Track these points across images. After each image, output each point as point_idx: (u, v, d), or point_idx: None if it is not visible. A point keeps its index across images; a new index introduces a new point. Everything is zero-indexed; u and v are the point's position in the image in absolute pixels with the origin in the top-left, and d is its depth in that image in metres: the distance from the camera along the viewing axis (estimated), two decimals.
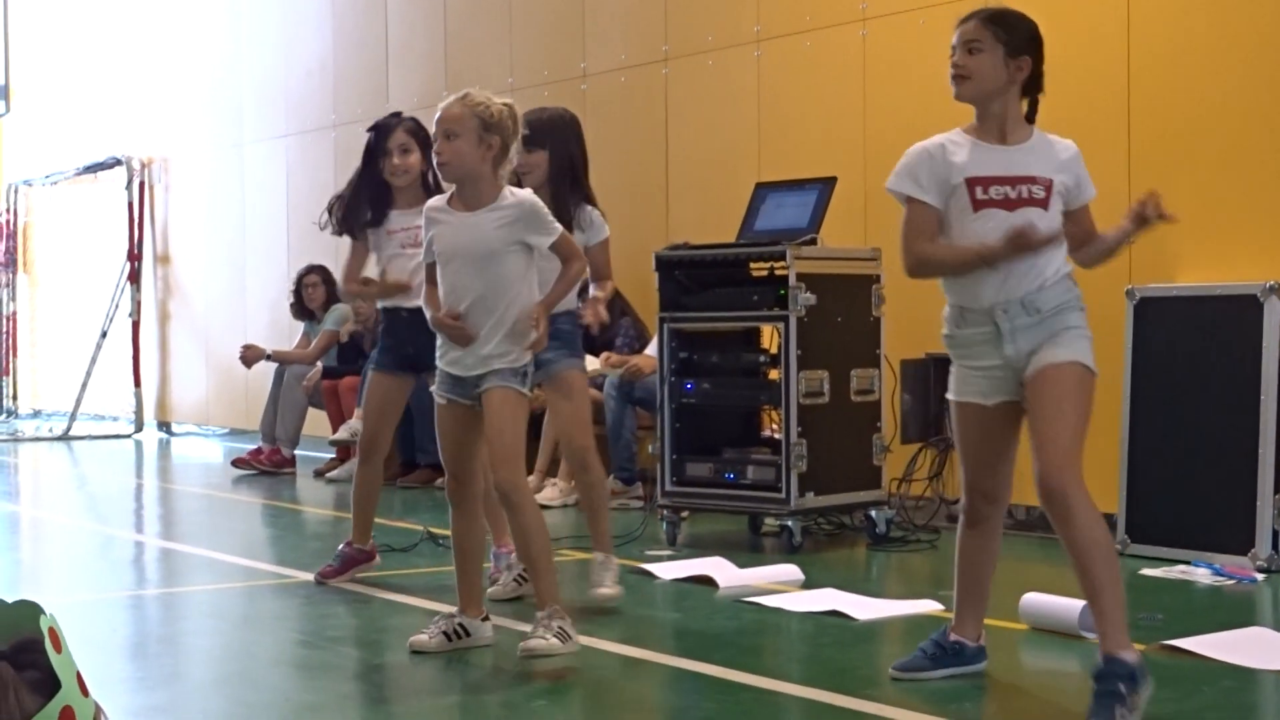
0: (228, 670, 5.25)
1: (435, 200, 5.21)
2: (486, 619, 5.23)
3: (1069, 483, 4.20)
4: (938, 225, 4.45)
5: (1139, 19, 7.35)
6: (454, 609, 5.21)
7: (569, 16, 10.58)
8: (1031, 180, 4.37)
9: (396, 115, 6.60)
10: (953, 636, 4.68)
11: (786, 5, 9.04)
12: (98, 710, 1.77)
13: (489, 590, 5.92)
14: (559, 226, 5.14)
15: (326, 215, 6.58)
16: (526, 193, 5.14)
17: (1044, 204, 4.36)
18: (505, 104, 5.08)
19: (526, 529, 5.06)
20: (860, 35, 8.62)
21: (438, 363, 5.13)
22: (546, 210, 5.12)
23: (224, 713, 4.59)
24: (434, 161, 5.14)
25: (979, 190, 4.38)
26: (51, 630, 1.74)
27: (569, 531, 7.65)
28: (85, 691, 1.75)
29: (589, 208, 6.09)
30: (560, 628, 4.95)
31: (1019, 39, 4.43)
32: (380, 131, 6.48)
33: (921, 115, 8.36)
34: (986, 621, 4.79)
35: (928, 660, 4.65)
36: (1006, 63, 4.41)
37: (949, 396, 4.53)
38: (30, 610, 1.72)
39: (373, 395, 6.47)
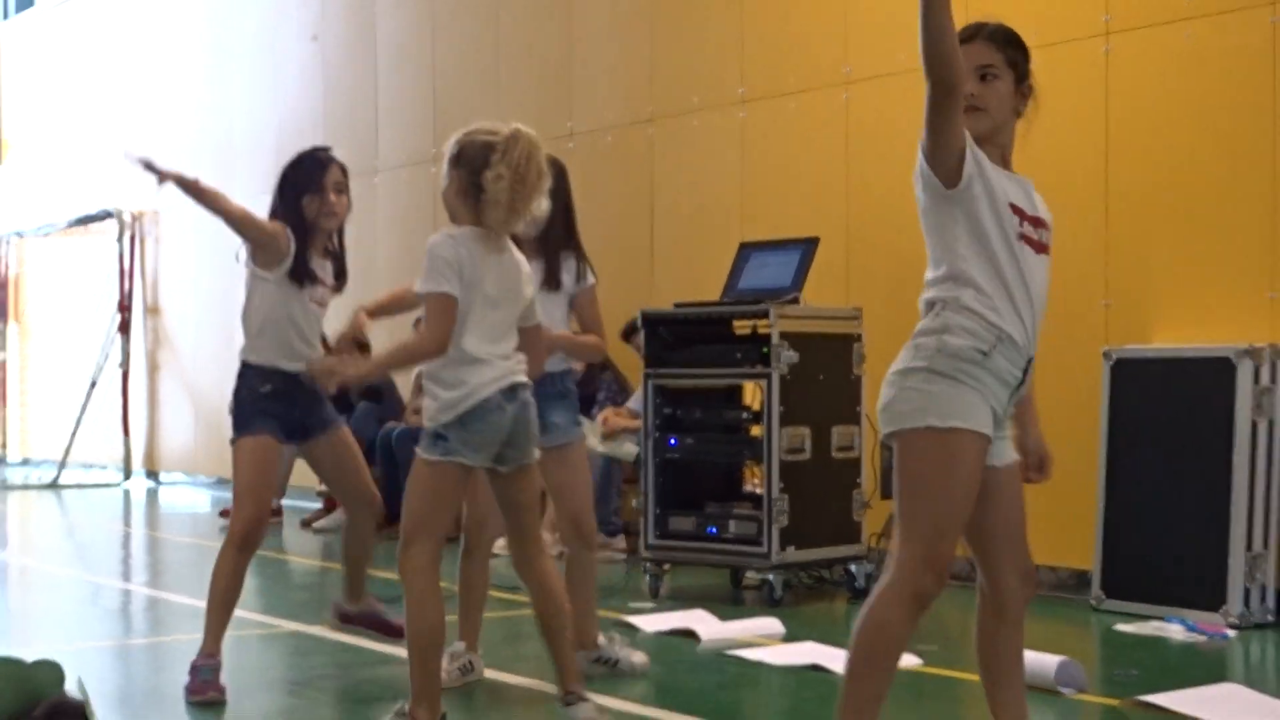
0: None
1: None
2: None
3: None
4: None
5: (1117, 89, 7.41)
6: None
7: (556, 77, 10.63)
8: (1038, 223, 3.80)
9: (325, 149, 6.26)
10: None
11: (770, 68, 9.09)
12: None
13: None
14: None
15: None
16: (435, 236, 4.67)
17: (1047, 249, 3.81)
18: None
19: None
20: (843, 98, 8.68)
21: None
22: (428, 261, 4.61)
23: None
24: None
25: (1017, 220, 3.76)
26: (85, 694, 1.77)
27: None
28: None
29: (573, 258, 5.71)
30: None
31: (1026, 61, 3.83)
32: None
33: (903, 178, 8.41)
34: (959, 675, 4.75)
35: None
36: (1016, 90, 3.82)
37: (943, 423, 3.62)
38: (54, 672, 1.74)
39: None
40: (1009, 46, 3.80)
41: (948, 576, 3.72)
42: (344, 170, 6.03)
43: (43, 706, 1.71)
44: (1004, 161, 3.82)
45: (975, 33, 3.80)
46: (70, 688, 1.80)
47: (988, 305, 3.65)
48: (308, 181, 5.99)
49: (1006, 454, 3.77)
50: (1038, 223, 3.78)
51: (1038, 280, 3.74)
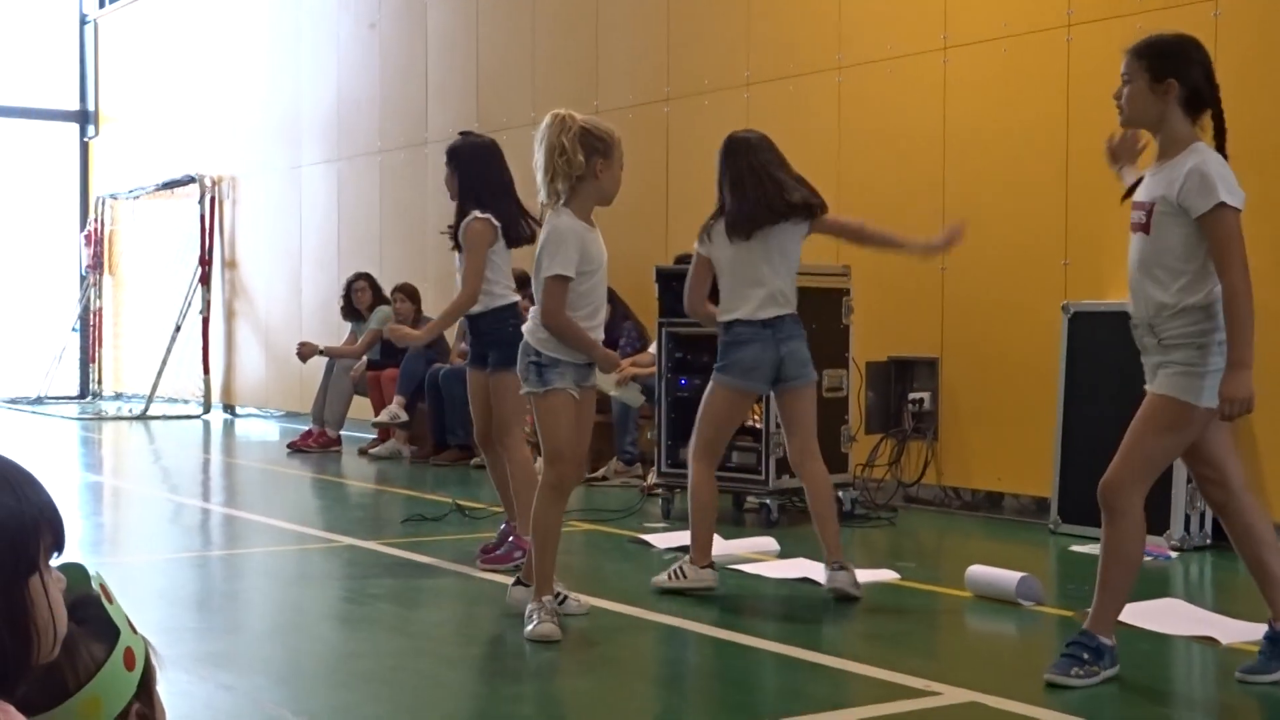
0: (281, 622, 5.26)
1: (570, 219, 4.72)
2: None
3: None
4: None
5: (1077, 73, 7.34)
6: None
7: (585, 61, 10.59)
8: (1140, 206, 4.04)
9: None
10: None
11: (773, 55, 9.05)
12: (148, 645, 1.79)
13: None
14: None
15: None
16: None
17: (1145, 228, 4.01)
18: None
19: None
20: (836, 82, 8.62)
21: (568, 359, 4.71)
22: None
23: (277, 659, 4.60)
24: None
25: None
26: (102, 586, 1.76)
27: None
28: (135, 630, 1.77)
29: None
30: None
31: (1162, 63, 4.02)
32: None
33: (888, 154, 8.39)
34: (945, 591, 4.76)
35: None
36: (1153, 88, 4.01)
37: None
38: (79, 571, 1.73)
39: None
40: (1138, 56, 4.05)
41: None
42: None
43: (69, 601, 1.71)
44: (1159, 154, 4.04)
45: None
46: (94, 585, 1.79)
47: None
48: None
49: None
50: (1136, 207, 4.07)
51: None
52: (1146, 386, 4.12)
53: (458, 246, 5.81)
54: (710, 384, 5.47)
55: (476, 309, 5.79)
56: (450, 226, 5.88)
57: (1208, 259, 3.92)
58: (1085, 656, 4.03)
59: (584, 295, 4.74)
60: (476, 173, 5.88)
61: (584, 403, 4.82)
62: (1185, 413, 3.98)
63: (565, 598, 4.92)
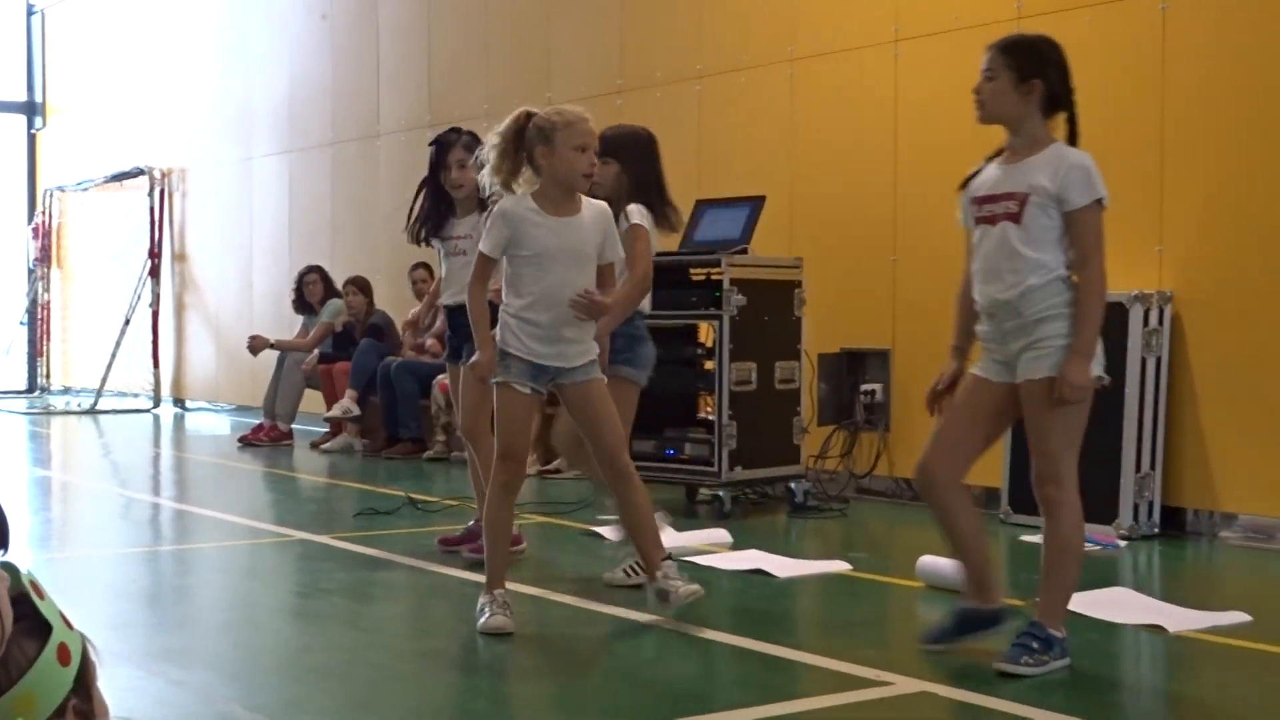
0: (233, 617, 5.23)
1: (515, 202, 4.66)
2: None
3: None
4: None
5: None
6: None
7: (536, 54, 10.57)
8: (1008, 197, 4.12)
9: (456, 131, 6.09)
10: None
11: (724, 47, 9.06)
12: (85, 640, 1.77)
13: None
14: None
15: (413, 229, 6.08)
16: (599, 203, 4.82)
17: (1017, 218, 4.09)
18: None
19: (638, 503, 4.87)
20: (788, 74, 8.64)
21: (516, 353, 4.66)
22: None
23: (230, 654, 4.57)
24: (590, 175, 4.71)
25: (975, 209, 4.21)
26: (33, 583, 1.74)
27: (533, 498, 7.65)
28: (70, 626, 1.75)
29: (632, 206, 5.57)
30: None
31: (1028, 63, 4.13)
32: (440, 146, 6.01)
33: (839, 146, 8.41)
34: (897, 582, 4.78)
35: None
36: (1018, 87, 4.12)
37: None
38: (10, 569, 1.72)
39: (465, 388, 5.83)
40: (1006, 53, 4.13)
41: None
42: (469, 146, 5.83)
43: None
44: (1013, 151, 4.16)
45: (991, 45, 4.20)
46: (25, 582, 1.78)
47: None
48: (438, 161, 6.00)
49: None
50: (997, 199, 4.12)
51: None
52: (1019, 378, 4.13)
53: None
54: (617, 379, 5.44)
55: (453, 302, 5.76)
56: None
57: (1062, 248, 4.07)
58: (1035, 646, 4.06)
59: (524, 280, 4.67)
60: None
61: (530, 402, 4.73)
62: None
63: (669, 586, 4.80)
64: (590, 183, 4.77)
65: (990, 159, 4.25)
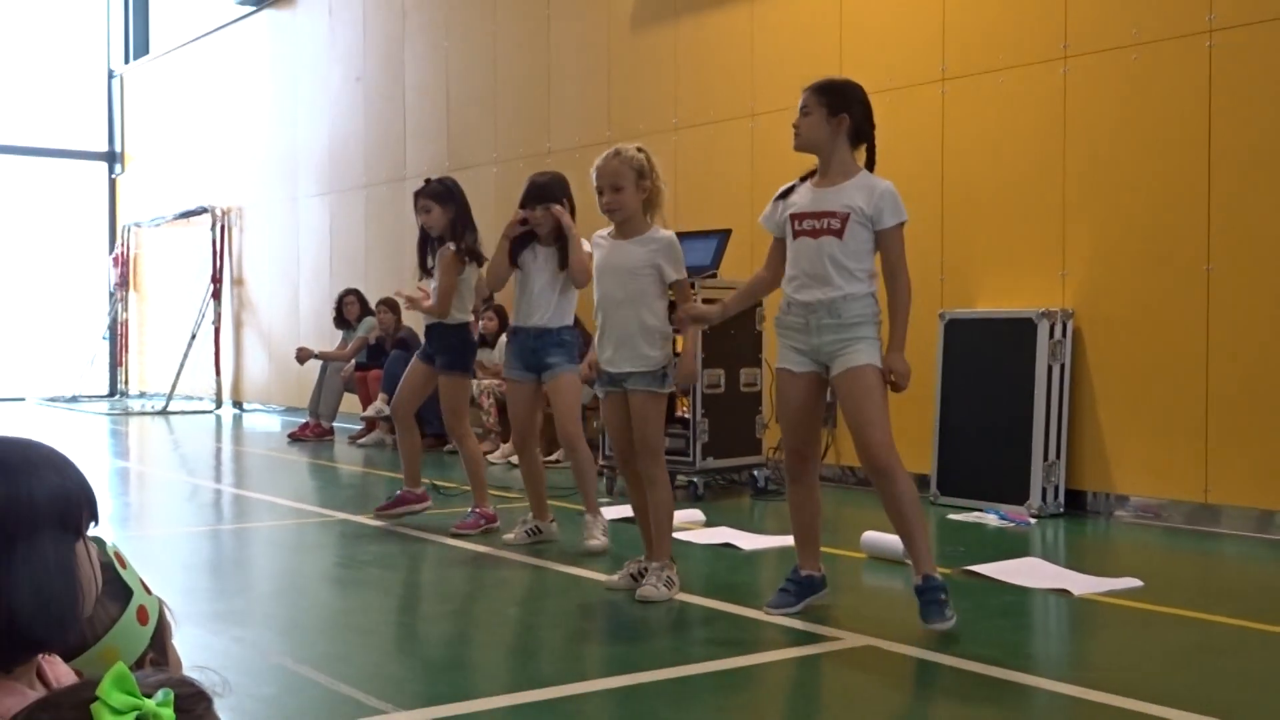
0: (283, 584, 5.21)
1: (601, 231, 4.83)
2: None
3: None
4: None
5: (951, 119, 7.40)
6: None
7: (538, 109, 10.56)
8: (828, 214, 4.15)
9: (426, 180, 6.21)
10: (803, 572, 4.41)
11: (696, 103, 9.06)
12: (161, 604, 1.76)
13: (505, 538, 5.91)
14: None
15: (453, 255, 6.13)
16: (669, 232, 4.80)
17: (839, 233, 4.12)
18: (642, 149, 4.74)
19: (667, 503, 4.74)
20: (750, 128, 8.64)
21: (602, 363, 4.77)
22: (680, 251, 4.76)
23: (280, 616, 4.55)
24: (603, 208, 4.73)
25: (794, 223, 4.26)
26: (117, 553, 1.74)
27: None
28: (148, 591, 1.74)
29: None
30: (669, 577, 4.66)
31: (837, 101, 4.18)
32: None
33: None
34: (844, 553, 4.77)
35: (792, 597, 4.37)
36: (829, 121, 4.17)
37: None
38: (98, 543, 1.71)
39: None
40: (819, 92, 4.19)
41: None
42: (422, 192, 6.11)
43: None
44: (827, 175, 4.22)
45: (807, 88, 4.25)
46: (109, 553, 1.77)
47: None
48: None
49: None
50: (819, 215, 4.17)
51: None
52: (837, 369, 4.14)
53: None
54: (570, 376, 5.57)
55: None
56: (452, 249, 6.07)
57: (872, 259, 4.15)
58: (942, 597, 4.04)
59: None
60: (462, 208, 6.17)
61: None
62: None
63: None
64: (609, 213, 4.79)
65: (804, 179, 4.29)
